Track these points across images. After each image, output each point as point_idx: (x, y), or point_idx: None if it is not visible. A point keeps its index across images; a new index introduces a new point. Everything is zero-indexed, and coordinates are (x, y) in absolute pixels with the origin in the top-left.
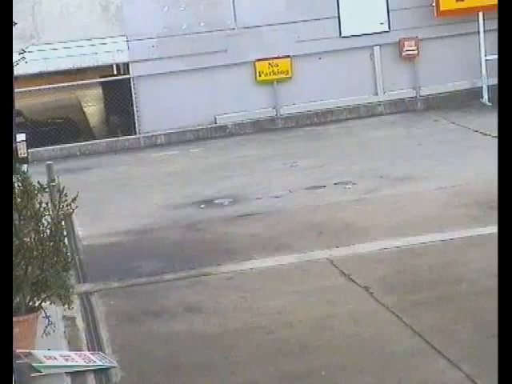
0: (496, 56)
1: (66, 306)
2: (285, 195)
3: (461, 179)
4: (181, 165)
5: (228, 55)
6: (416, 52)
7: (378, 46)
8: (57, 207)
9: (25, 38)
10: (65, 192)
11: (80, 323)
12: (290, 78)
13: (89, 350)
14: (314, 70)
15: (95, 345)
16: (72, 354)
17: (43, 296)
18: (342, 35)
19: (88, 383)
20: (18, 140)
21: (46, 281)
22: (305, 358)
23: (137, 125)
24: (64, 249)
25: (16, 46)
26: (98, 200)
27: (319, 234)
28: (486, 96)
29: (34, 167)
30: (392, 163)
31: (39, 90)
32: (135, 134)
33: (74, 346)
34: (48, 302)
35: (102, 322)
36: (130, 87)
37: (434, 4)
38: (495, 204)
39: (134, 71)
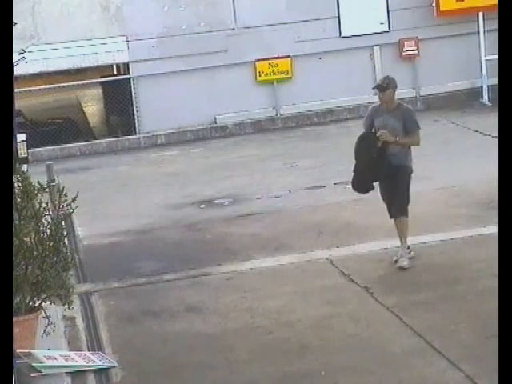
0: (496, 56)
1: (66, 306)
2: (285, 195)
3: (461, 179)
4: (181, 165)
5: (228, 55)
6: (416, 52)
7: (378, 46)
8: (57, 207)
9: (25, 38)
10: (65, 192)
11: (80, 323)
12: (290, 78)
13: (89, 350)
14: (314, 69)
15: (95, 345)
16: (72, 354)
17: (43, 296)
18: (342, 35)
19: (88, 383)
20: (18, 140)
21: (45, 281)
22: (305, 358)
23: (137, 125)
24: (64, 249)
25: (16, 46)
26: (97, 200)
27: (319, 234)
28: (485, 96)
29: (34, 167)
30: None
31: (39, 89)
32: (135, 133)
33: (73, 346)
34: (48, 302)
35: (101, 322)
36: (130, 87)
37: (434, 4)
38: (495, 204)
39: (134, 71)
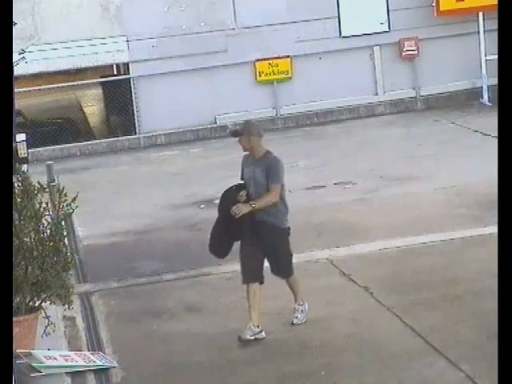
0: (496, 56)
1: (66, 306)
2: None
3: (461, 179)
4: (181, 165)
5: (228, 55)
6: (416, 52)
7: (378, 46)
8: (57, 207)
9: (25, 38)
10: (65, 192)
11: (80, 323)
12: (290, 78)
13: (89, 350)
14: (314, 69)
15: (95, 345)
16: (72, 354)
17: (43, 296)
18: (342, 35)
19: (88, 383)
20: (18, 140)
21: (45, 281)
22: (305, 358)
23: (137, 125)
24: (64, 249)
25: (16, 46)
26: (98, 200)
27: (319, 234)
28: (485, 96)
29: (34, 167)
30: (392, 163)
31: (39, 89)
32: (135, 134)
33: (73, 345)
34: (48, 302)
35: (102, 322)
36: (130, 87)
37: (434, 4)
38: (495, 204)
39: (134, 71)
